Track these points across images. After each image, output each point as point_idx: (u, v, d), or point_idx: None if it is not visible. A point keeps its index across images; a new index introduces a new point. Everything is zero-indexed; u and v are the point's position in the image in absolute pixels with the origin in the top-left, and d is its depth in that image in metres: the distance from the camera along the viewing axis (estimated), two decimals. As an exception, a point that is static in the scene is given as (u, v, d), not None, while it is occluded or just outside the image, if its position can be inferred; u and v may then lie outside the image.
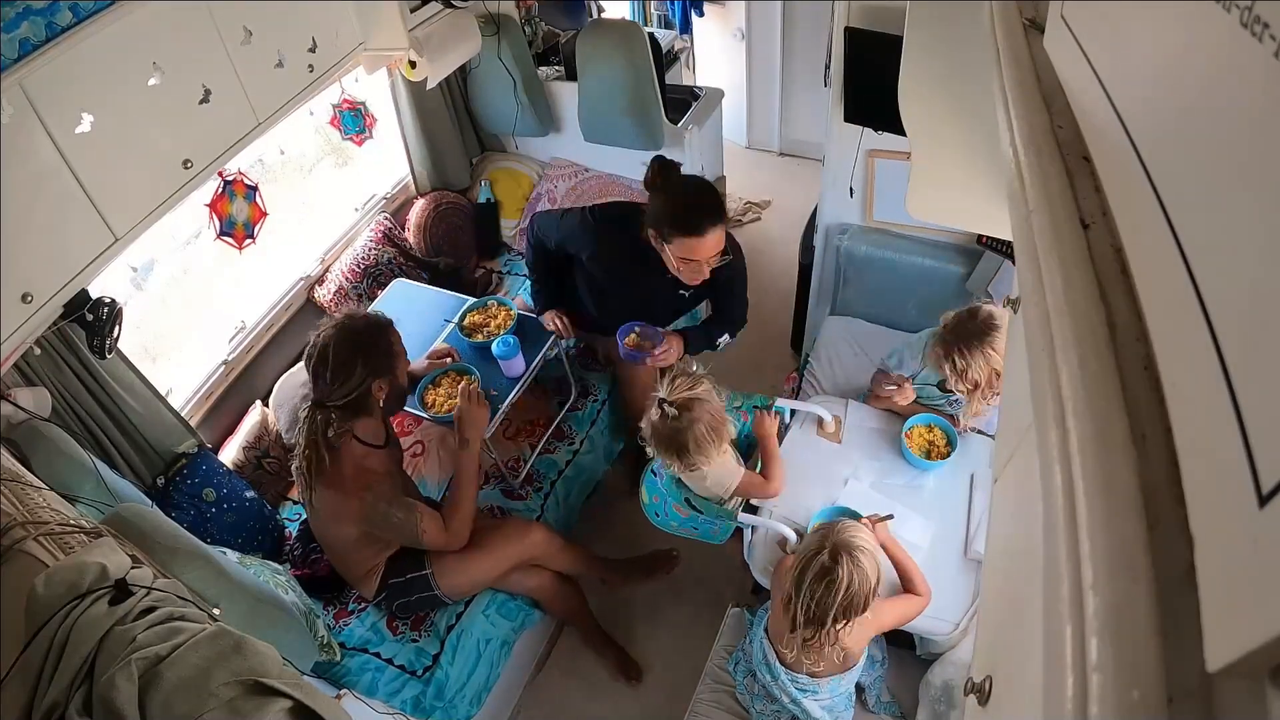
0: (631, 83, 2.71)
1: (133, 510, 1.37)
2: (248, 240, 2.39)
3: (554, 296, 2.33)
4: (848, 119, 2.33)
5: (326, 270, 2.76)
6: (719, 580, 2.47)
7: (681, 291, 2.11)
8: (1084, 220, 0.58)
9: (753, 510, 1.91)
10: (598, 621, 2.32)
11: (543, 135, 3.14)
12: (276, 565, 1.91)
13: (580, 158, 3.14)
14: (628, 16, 4.04)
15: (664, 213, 1.91)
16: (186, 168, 1.64)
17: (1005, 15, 0.89)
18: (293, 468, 1.85)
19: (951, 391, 1.93)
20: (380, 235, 2.87)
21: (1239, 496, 0.30)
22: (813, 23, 3.76)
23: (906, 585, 1.65)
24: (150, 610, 0.90)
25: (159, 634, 0.86)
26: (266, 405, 2.46)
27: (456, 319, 2.36)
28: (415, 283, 2.68)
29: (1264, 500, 0.29)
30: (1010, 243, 1.88)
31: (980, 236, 2.42)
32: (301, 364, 2.50)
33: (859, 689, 1.80)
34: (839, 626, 1.45)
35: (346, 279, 2.73)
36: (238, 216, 2.35)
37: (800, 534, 1.80)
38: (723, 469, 1.81)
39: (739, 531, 2.01)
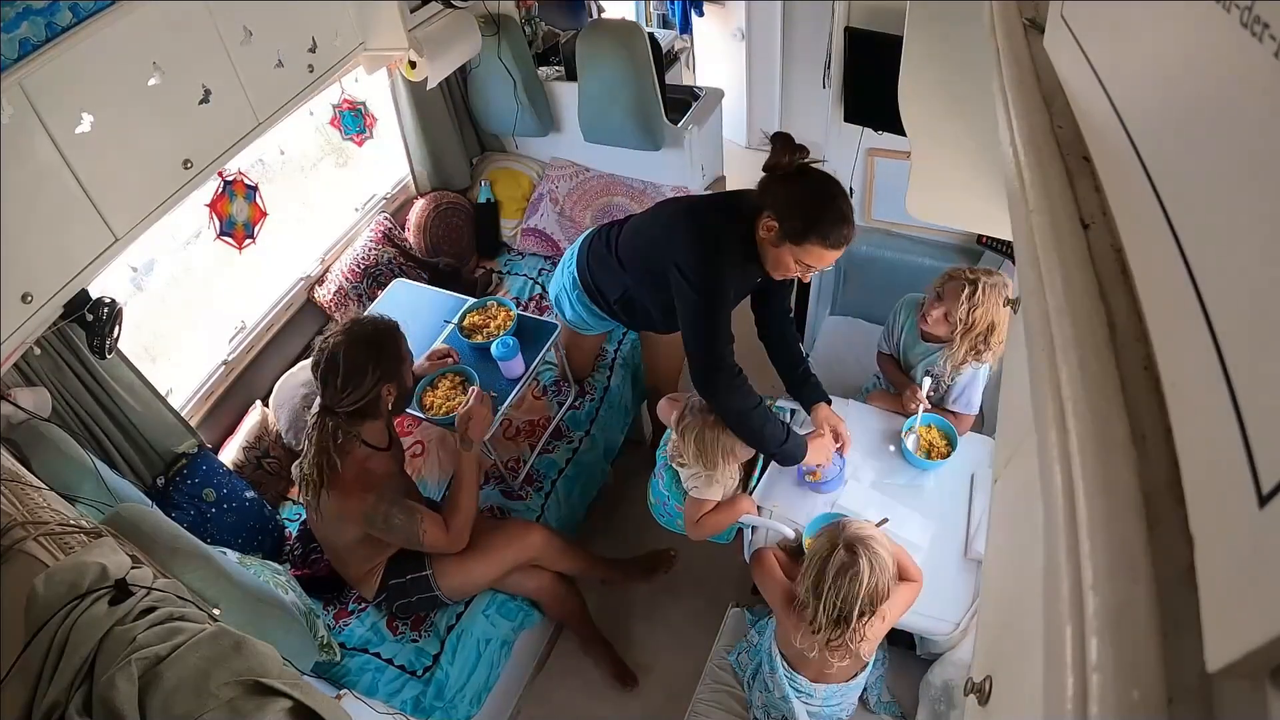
0: (631, 83, 2.71)
1: (133, 510, 1.37)
2: (248, 240, 2.39)
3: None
4: (848, 119, 2.33)
5: (326, 270, 2.76)
6: (719, 580, 2.47)
7: (759, 280, 1.91)
8: (1084, 220, 0.58)
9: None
10: (596, 626, 2.32)
11: (543, 135, 3.14)
12: (276, 565, 1.91)
13: (580, 158, 3.14)
14: (628, 16, 4.03)
15: (805, 211, 1.64)
16: (186, 168, 1.64)
17: (1005, 15, 0.89)
18: (293, 472, 1.85)
19: (939, 341, 1.98)
20: (380, 235, 2.87)
21: (1239, 496, 0.30)
22: (813, 23, 3.76)
23: (900, 572, 1.65)
24: (150, 610, 0.90)
25: (159, 634, 0.86)
26: (266, 405, 2.46)
27: (456, 320, 2.36)
28: (415, 283, 2.68)
29: (1264, 500, 0.29)
30: (1010, 243, 1.88)
31: (980, 236, 2.42)
32: (301, 364, 2.51)
33: (858, 689, 1.80)
34: (864, 620, 1.45)
35: (346, 279, 2.73)
36: (238, 216, 2.35)
37: (799, 533, 1.80)
38: (705, 483, 1.84)
39: (739, 531, 2.01)
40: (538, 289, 2.96)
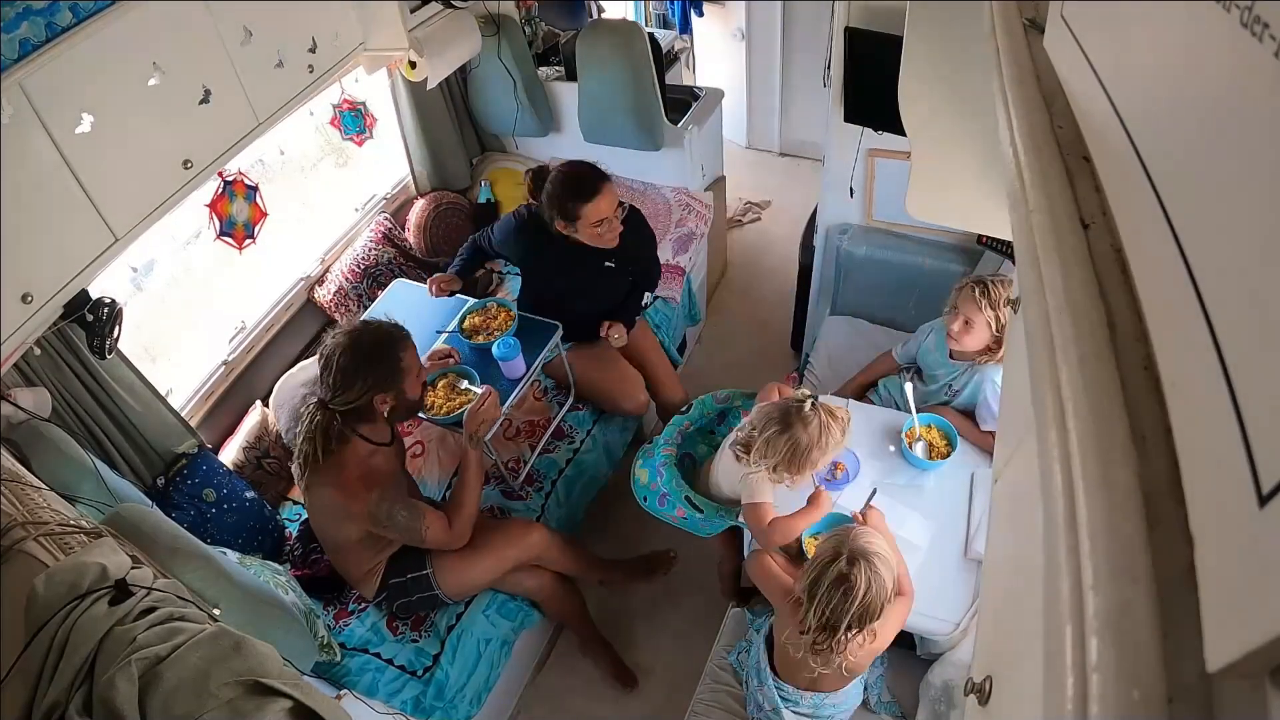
0: (631, 83, 2.71)
1: (133, 510, 1.37)
2: (248, 240, 2.39)
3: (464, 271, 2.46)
4: (848, 119, 2.33)
5: (326, 270, 2.76)
6: (719, 580, 2.46)
7: (607, 263, 2.29)
8: (1084, 220, 0.58)
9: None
10: (596, 626, 2.32)
11: (543, 135, 3.14)
12: (276, 565, 1.91)
13: (580, 158, 3.13)
14: (628, 16, 4.03)
15: (557, 200, 2.10)
16: (186, 168, 1.64)
17: (1005, 15, 0.89)
18: (292, 465, 1.85)
19: (968, 359, 2.00)
20: (380, 235, 2.87)
21: (1239, 496, 0.30)
22: (813, 23, 3.76)
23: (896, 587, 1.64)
24: (150, 610, 0.90)
25: (159, 634, 0.86)
26: (266, 405, 2.46)
27: (456, 321, 2.35)
28: (415, 283, 2.68)
29: (1264, 500, 0.29)
30: (1010, 243, 1.88)
31: (980, 236, 2.42)
32: (301, 364, 2.51)
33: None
34: (851, 633, 1.43)
35: (346, 279, 2.73)
36: (238, 217, 2.35)
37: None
38: (763, 481, 1.76)
39: (737, 532, 2.01)
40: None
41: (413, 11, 2.25)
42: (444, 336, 2.33)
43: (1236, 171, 0.36)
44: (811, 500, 1.79)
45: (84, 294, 1.67)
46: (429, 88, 2.56)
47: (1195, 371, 0.37)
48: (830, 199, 2.62)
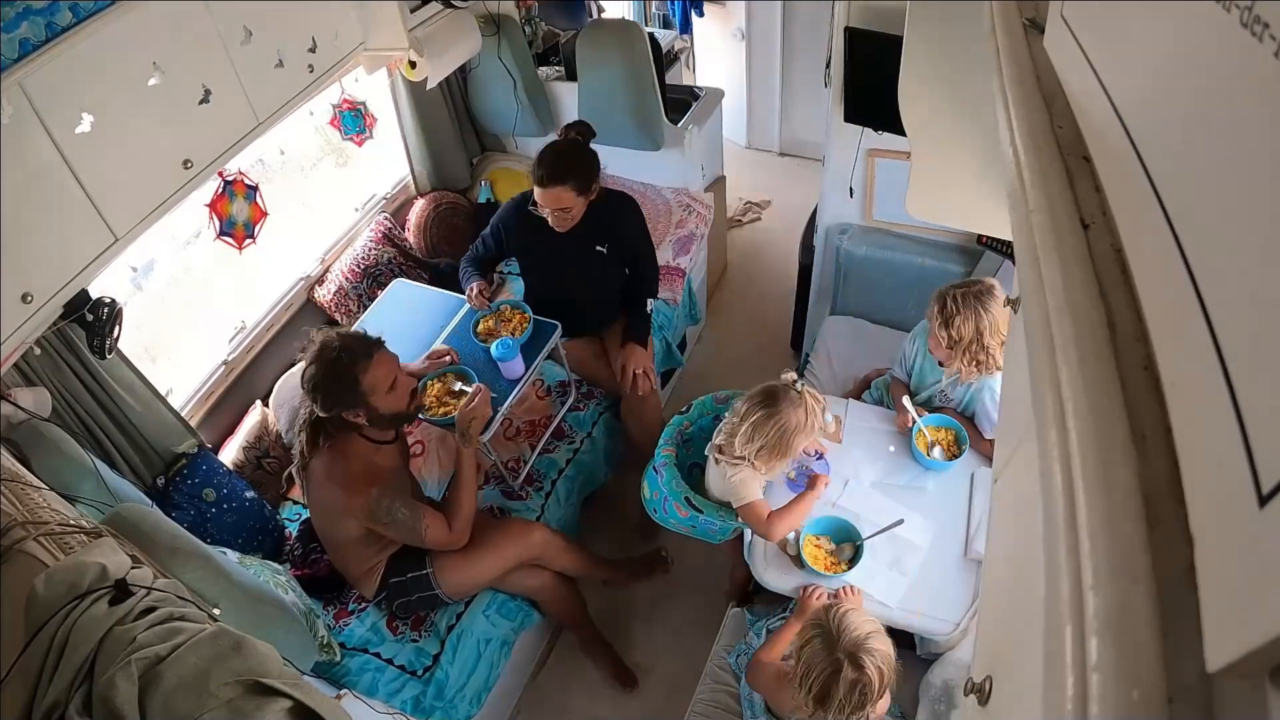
0: (631, 83, 2.71)
1: (133, 510, 1.37)
2: (248, 240, 2.39)
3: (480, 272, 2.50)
4: (848, 119, 2.33)
5: (326, 270, 2.76)
6: (719, 580, 2.46)
7: (599, 248, 2.35)
8: (1084, 220, 0.58)
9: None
10: (596, 626, 2.32)
11: (543, 135, 3.14)
12: (276, 565, 1.91)
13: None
14: (628, 16, 4.04)
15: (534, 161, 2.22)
16: (186, 168, 1.64)
17: (1005, 15, 0.89)
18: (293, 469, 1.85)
19: (944, 368, 1.98)
20: (380, 235, 2.87)
21: (1239, 496, 0.30)
22: (813, 23, 3.76)
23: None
24: (150, 610, 0.90)
25: (159, 634, 0.86)
26: (266, 405, 2.46)
27: (471, 327, 2.33)
28: (415, 283, 2.68)
29: (1264, 500, 0.29)
30: (1010, 243, 1.88)
31: (980, 236, 2.42)
32: (301, 364, 2.51)
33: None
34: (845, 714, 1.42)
35: (346, 279, 2.73)
36: (238, 216, 2.35)
37: (797, 533, 1.80)
38: (747, 481, 1.78)
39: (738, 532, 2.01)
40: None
41: (413, 11, 2.25)
42: (447, 332, 2.32)
43: (1237, 171, 0.36)
44: (809, 484, 1.82)
45: (84, 294, 1.67)
46: (429, 88, 2.56)
47: (1195, 371, 0.37)
48: (830, 199, 2.62)
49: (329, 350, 1.75)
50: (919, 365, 2.09)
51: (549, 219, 2.23)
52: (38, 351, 1.69)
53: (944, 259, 2.46)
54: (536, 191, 2.17)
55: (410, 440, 2.37)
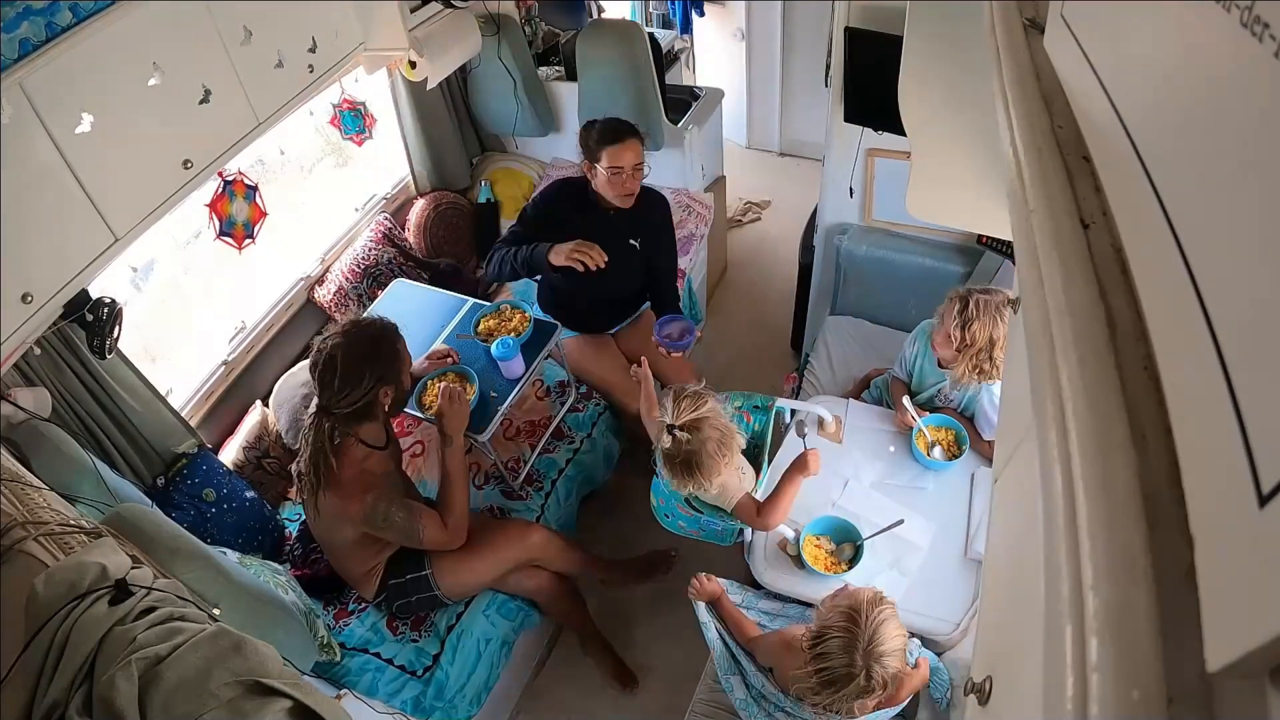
0: (631, 83, 2.71)
1: (133, 510, 1.37)
2: (248, 240, 2.39)
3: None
4: (848, 119, 2.33)
5: (326, 270, 2.76)
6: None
7: (631, 241, 2.33)
8: (1084, 220, 0.58)
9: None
10: (596, 626, 2.32)
11: (543, 135, 3.14)
12: (276, 565, 1.91)
13: (580, 158, 3.13)
14: (628, 16, 4.04)
15: (587, 142, 2.21)
16: (186, 168, 1.64)
17: (1005, 15, 0.89)
18: (292, 469, 1.84)
19: (946, 369, 1.97)
20: (380, 235, 2.87)
21: (1239, 496, 0.30)
22: (813, 23, 3.76)
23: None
24: (150, 610, 0.90)
25: (159, 634, 0.86)
26: (266, 405, 2.46)
27: (471, 330, 2.33)
28: (415, 283, 2.68)
29: (1264, 500, 0.29)
30: (1010, 243, 1.88)
31: (980, 236, 2.42)
32: (301, 364, 2.51)
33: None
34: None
35: (346, 279, 2.73)
36: (238, 216, 2.35)
37: (797, 533, 1.80)
38: (728, 482, 1.76)
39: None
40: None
41: (413, 11, 2.25)
42: (447, 331, 2.32)
43: (1236, 171, 0.36)
44: (796, 466, 1.79)
45: (84, 294, 1.67)
46: (429, 88, 2.56)
47: (1195, 371, 0.37)
48: (830, 199, 2.62)
49: (362, 329, 1.79)
50: (920, 366, 2.09)
51: (624, 183, 2.19)
52: (38, 351, 1.69)
53: (944, 259, 2.46)
54: (611, 153, 2.14)
55: (410, 440, 2.37)
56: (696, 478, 1.67)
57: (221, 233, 2.32)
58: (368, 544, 1.89)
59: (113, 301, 1.72)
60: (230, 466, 2.22)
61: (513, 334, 2.25)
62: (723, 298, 3.61)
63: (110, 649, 0.84)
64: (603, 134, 2.15)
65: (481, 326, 2.32)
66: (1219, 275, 0.37)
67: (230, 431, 2.41)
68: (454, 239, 3.06)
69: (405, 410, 2.02)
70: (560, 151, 3.21)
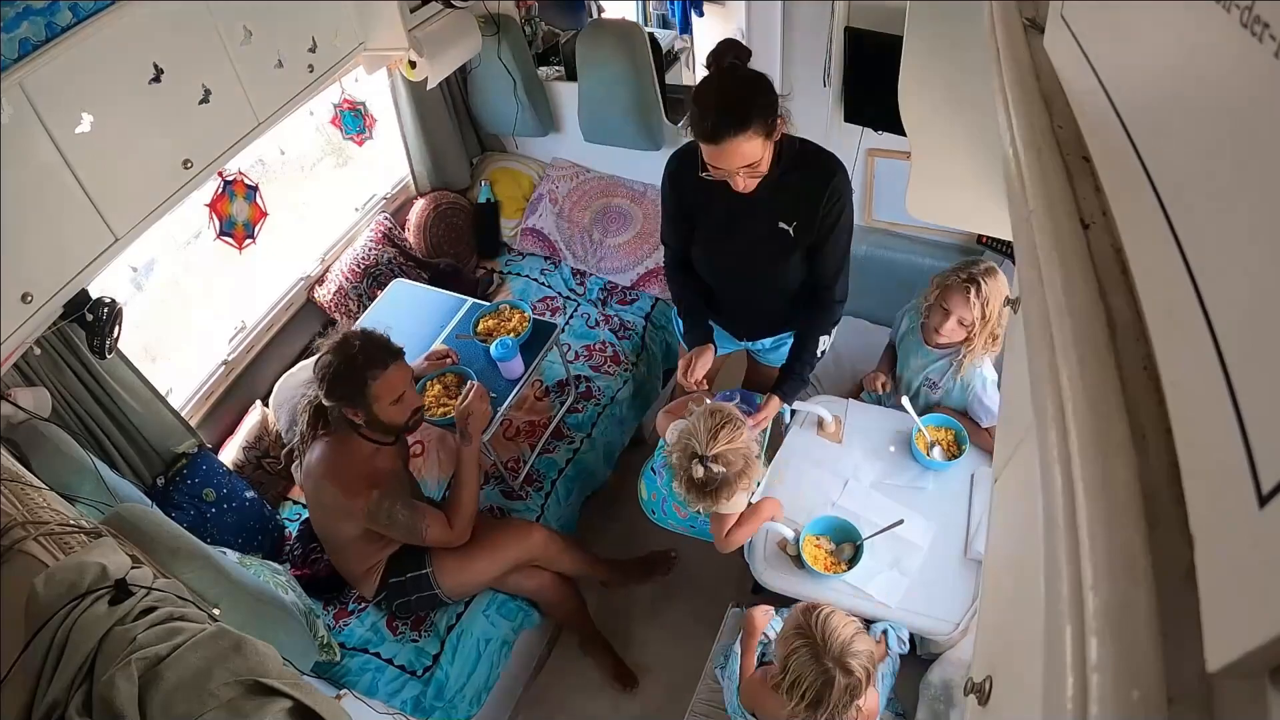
0: (631, 83, 2.71)
1: (133, 510, 1.37)
2: (248, 240, 2.39)
3: (699, 320, 1.88)
4: (848, 119, 2.34)
5: (326, 270, 2.76)
6: (718, 580, 2.46)
7: (781, 224, 1.71)
8: (1084, 220, 0.58)
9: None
10: (596, 626, 2.32)
11: (543, 135, 3.14)
12: (276, 565, 1.91)
13: (581, 158, 3.14)
14: (628, 16, 4.03)
15: (691, 108, 1.55)
16: (186, 168, 1.64)
17: (1005, 15, 0.89)
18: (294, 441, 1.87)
19: (944, 349, 1.99)
20: (380, 235, 2.87)
21: (1239, 496, 0.30)
22: (813, 23, 3.75)
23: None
24: (150, 610, 0.90)
25: (159, 634, 0.86)
26: (266, 405, 2.46)
27: (470, 331, 2.33)
28: (415, 283, 2.68)
29: (1264, 500, 0.29)
30: (1010, 243, 1.89)
31: (980, 236, 2.42)
32: (301, 364, 2.51)
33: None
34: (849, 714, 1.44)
35: (346, 279, 2.73)
36: (238, 216, 2.35)
37: (797, 533, 1.80)
38: (739, 501, 1.74)
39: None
40: (543, 290, 2.96)
41: (413, 11, 2.25)
42: (448, 331, 2.32)
43: (1237, 171, 0.36)
44: (749, 511, 1.78)
45: (84, 294, 1.67)
46: (429, 88, 2.55)
47: (1195, 371, 0.37)
48: (830, 199, 2.61)
49: (349, 345, 1.77)
50: (906, 345, 2.10)
51: (734, 183, 1.59)
52: (38, 351, 1.69)
53: (944, 259, 2.46)
54: (707, 151, 1.54)
55: (410, 440, 2.37)
56: (717, 500, 1.65)
57: (222, 233, 2.32)
58: (369, 541, 1.89)
59: (113, 301, 1.72)
60: (230, 466, 2.22)
61: (512, 334, 2.25)
62: (723, 298, 3.60)
63: (110, 649, 0.84)
64: (700, 126, 1.52)
65: (481, 327, 2.32)
66: (1219, 275, 0.37)
67: (230, 431, 2.41)
68: (454, 239, 3.06)
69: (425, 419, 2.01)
70: (560, 151, 3.21)
